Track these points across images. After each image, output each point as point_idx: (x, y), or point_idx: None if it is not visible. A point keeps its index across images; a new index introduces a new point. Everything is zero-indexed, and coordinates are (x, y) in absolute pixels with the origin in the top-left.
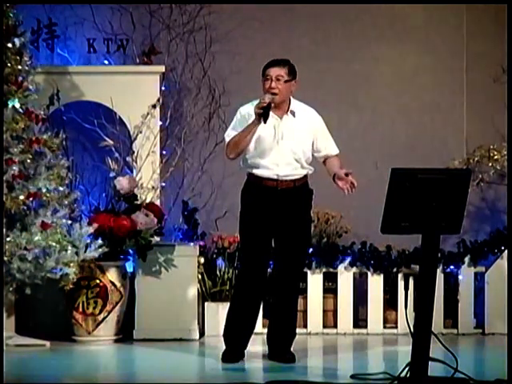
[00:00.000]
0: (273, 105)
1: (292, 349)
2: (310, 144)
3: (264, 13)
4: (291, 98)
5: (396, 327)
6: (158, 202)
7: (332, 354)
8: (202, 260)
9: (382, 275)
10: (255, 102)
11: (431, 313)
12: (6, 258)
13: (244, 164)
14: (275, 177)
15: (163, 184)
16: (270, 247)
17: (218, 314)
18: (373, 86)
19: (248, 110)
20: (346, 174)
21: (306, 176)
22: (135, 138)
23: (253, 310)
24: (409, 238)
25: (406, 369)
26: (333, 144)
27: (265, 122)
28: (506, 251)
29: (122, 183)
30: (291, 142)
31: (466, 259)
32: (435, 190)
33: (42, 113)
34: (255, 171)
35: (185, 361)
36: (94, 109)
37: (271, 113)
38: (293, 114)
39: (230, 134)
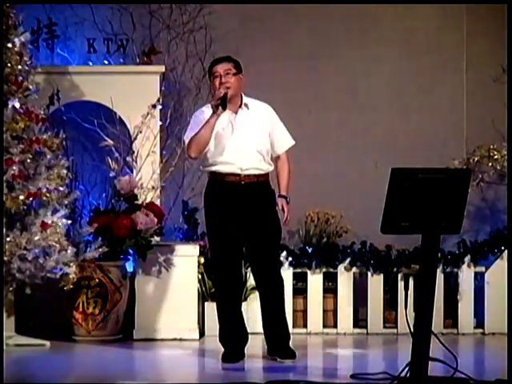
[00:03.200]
0: (229, 96)
1: (291, 345)
2: (267, 135)
3: (264, 13)
4: (242, 94)
5: (396, 327)
6: (158, 202)
7: (332, 353)
8: (202, 260)
9: (381, 275)
10: (209, 105)
11: (431, 313)
12: (6, 258)
13: (204, 164)
14: (238, 171)
15: (163, 184)
16: (241, 244)
17: None
18: (373, 85)
19: (202, 110)
20: (283, 208)
21: (267, 174)
22: (135, 138)
23: (237, 309)
24: (409, 237)
25: (406, 369)
26: (288, 136)
27: (224, 109)
28: (506, 251)
29: (122, 183)
30: (250, 133)
31: (466, 259)
32: (435, 190)
33: (42, 113)
34: (217, 168)
35: (185, 361)
36: (94, 109)
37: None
38: (247, 106)
39: (188, 135)
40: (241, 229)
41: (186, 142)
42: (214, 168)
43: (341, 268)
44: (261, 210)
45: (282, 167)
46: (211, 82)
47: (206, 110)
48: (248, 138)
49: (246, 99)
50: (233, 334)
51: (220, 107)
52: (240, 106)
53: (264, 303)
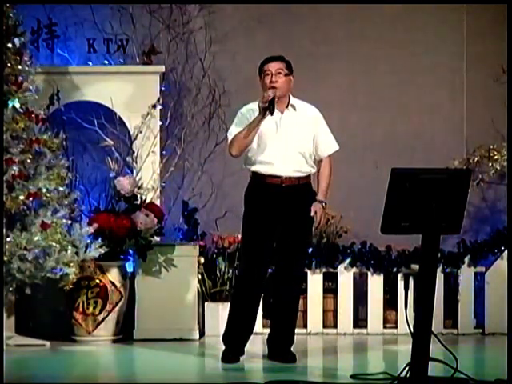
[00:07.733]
0: (277, 99)
1: (292, 349)
2: (311, 138)
3: (264, 13)
4: (290, 95)
5: (396, 327)
6: (158, 202)
7: (332, 354)
8: (202, 260)
9: (381, 275)
10: (256, 103)
11: (431, 313)
12: (6, 258)
13: (247, 162)
14: (279, 173)
15: (163, 184)
16: (272, 247)
17: (218, 314)
18: (373, 85)
19: (250, 108)
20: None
21: (309, 176)
22: (135, 138)
23: (252, 310)
24: (409, 237)
25: (406, 369)
26: (333, 140)
27: (271, 114)
28: (506, 251)
29: (123, 183)
30: (294, 135)
31: (466, 259)
32: (435, 190)
33: (42, 113)
34: (259, 169)
35: (185, 361)
36: (94, 109)
37: None
38: (294, 107)
39: (232, 132)
40: (277, 229)
41: (229, 138)
42: (254, 167)
43: (341, 268)
44: (298, 212)
45: (324, 170)
46: (261, 80)
47: (254, 109)
48: (291, 140)
49: (293, 100)
50: (238, 334)
51: (267, 111)
52: (287, 107)
53: (277, 300)
